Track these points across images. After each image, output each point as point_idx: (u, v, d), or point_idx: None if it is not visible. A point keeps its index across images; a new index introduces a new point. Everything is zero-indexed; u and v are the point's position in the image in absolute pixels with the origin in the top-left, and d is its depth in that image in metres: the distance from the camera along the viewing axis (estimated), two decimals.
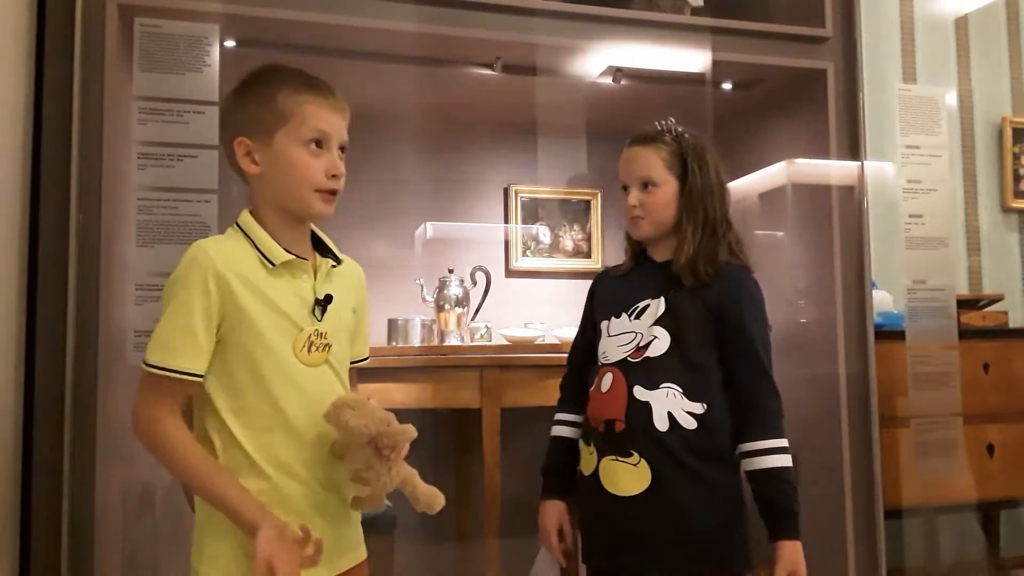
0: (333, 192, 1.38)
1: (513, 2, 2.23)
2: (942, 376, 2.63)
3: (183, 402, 1.33)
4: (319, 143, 1.36)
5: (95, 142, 1.89)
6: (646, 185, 1.66)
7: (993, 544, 3.19)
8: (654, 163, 1.66)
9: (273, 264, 1.34)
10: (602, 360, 1.67)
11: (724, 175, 1.70)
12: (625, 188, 1.69)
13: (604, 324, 1.69)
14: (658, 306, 1.63)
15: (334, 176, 1.37)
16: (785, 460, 1.60)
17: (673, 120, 1.70)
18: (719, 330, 1.63)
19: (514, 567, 2.33)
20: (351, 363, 1.49)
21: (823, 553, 2.48)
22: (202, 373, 1.30)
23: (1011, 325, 3.20)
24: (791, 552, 1.56)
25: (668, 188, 1.66)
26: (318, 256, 1.42)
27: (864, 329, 2.43)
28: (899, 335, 2.61)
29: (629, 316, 1.66)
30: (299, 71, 1.40)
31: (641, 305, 1.65)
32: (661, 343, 1.62)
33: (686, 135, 1.68)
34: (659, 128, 1.69)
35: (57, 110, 1.88)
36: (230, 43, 2.15)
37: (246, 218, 1.39)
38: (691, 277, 1.62)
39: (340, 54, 2.35)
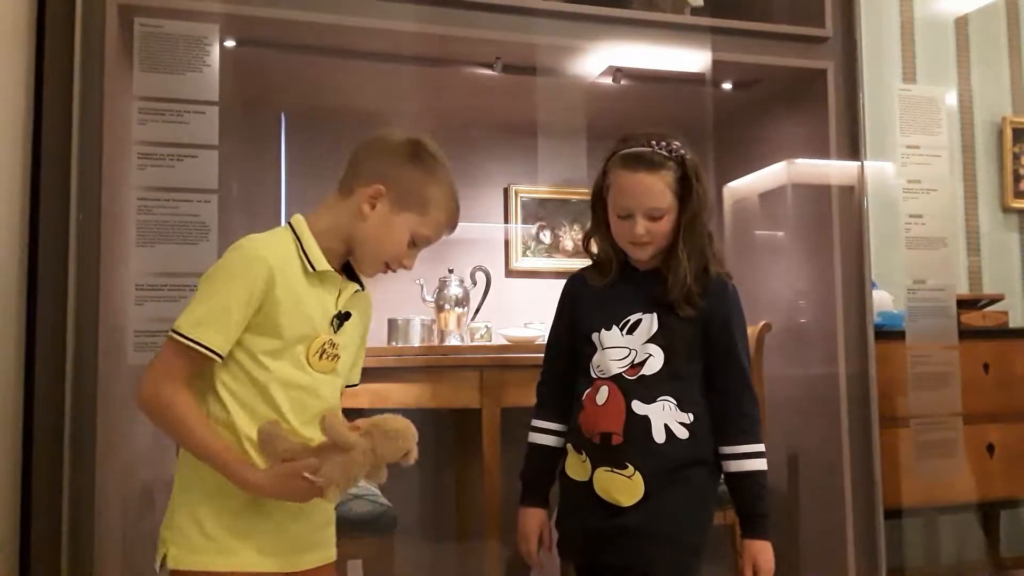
0: (389, 271, 1.51)
1: (513, 2, 2.23)
2: (942, 376, 2.63)
3: (191, 379, 1.38)
4: (417, 242, 1.49)
5: (95, 142, 1.89)
6: (653, 216, 1.62)
7: (993, 544, 3.19)
8: (662, 192, 1.61)
9: (314, 269, 1.42)
10: (596, 373, 1.66)
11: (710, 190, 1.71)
12: (629, 215, 1.63)
13: (596, 336, 1.67)
14: (651, 323, 1.63)
15: (401, 266, 1.50)
16: (762, 464, 1.65)
17: (669, 137, 1.64)
18: (706, 342, 1.65)
19: (514, 567, 2.33)
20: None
21: (823, 553, 2.48)
22: (222, 355, 1.36)
23: (1011, 325, 3.19)
24: (759, 550, 1.64)
25: (672, 214, 1.63)
26: (344, 277, 1.50)
27: (864, 329, 2.43)
28: (899, 335, 2.61)
29: (621, 330, 1.65)
30: (452, 178, 1.52)
31: (633, 319, 1.65)
32: (656, 361, 1.62)
33: (686, 156, 1.63)
34: (658, 150, 1.62)
35: (57, 110, 1.88)
36: (230, 43, 2.15)
37: (299, 221, 1.46)
38: (685, 305, 1.63)
39: (340, 54, 2.35)
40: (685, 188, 1.62)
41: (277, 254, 1.40)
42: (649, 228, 1.62)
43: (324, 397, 1.43)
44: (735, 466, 1.64)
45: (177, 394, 1.35)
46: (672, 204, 1.62)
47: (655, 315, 1.63)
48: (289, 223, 1.46)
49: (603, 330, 1.67)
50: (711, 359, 1.65)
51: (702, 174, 1.65)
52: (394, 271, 1.51)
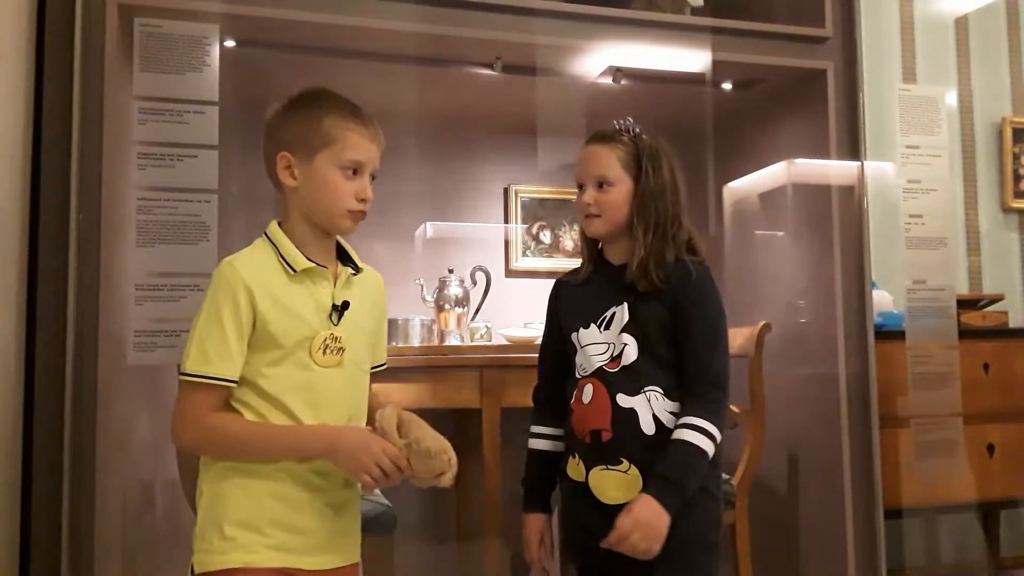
0: (361, 213, 1.48)
1: (513, 2, 2.23)
2: (942, 376, 2.63)
3: (218, 408, 1.42)
4: (354, 169, 1.46)
5: (95, 142, 1.89)
6: (601, 184, 1.67)
7: (993, 544, 3.19)
8: (610, 162, 1.67)
9: (295, 270, 1.44)
10: (580, 372, 1.67)
11: (679, 177, 1.70)
12: (581, 186, 1.70)
13: (575, 336, 1.69)
14: (623, 313, 1.64)
15: (363, 200, 1.47)
16: (699, 439, 1.55)
17: (632, 120, 1.71)
18: (675, 326, 1.63)
19: (514, 567, 2.33)
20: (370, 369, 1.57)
21: (823, 553, 2.48)
22: (236, 379, 1.40)
23: (1011, 325, 3.20)
24: (649, 506, 1.52)
25: (623, 187, 1.66)
26: (339, 264, 1.51)
27: (864, 329, 2.43)
28: (899, 335, 2.60)
29: (599, 326, 1.66)
30: (345, 99, 1.49)
31: (608, 314, 1.66)
32: (631, 350, 1.62)
33: (643, 136, 1.69)
34: (617, 127, 1.70)
35: (57, 110, 1.88)
36: (230, 43, 2.15)
37: (273, 228, 1.48)
38: (644, 282, 1.62)
39: (340, 54, 2.35)
40: (639, 167, 1.66)
41: (251, 268, 1.42)
42: (597, 198, 1.67)
43: (335, 390, 1.45)
44: (674, 434, 1.57)
45: (215, 417, 1.39)
46: (621, 177, 1.66)
47: (626, 305, 1.64)
48: (265, 232, 1.49)
49: (581, 329, 1.68)
50: (678, 342, 1.63)
51: (661, 156, 1.67)
52: (362, 212, 1.47)
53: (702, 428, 1.57)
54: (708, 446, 1.56)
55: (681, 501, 1.55)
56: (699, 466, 1.57)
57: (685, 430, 1.57)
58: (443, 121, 3.01)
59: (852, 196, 2.48)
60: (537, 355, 1.84)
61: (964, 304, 2.95)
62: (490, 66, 2.45)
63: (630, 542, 1.52)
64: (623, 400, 1.61)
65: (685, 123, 2.84)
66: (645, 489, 1.55)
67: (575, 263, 1.82)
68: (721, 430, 1.59)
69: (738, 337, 2.33)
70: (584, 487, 1.64)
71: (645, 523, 1.52)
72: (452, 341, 2.84)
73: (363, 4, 2.13)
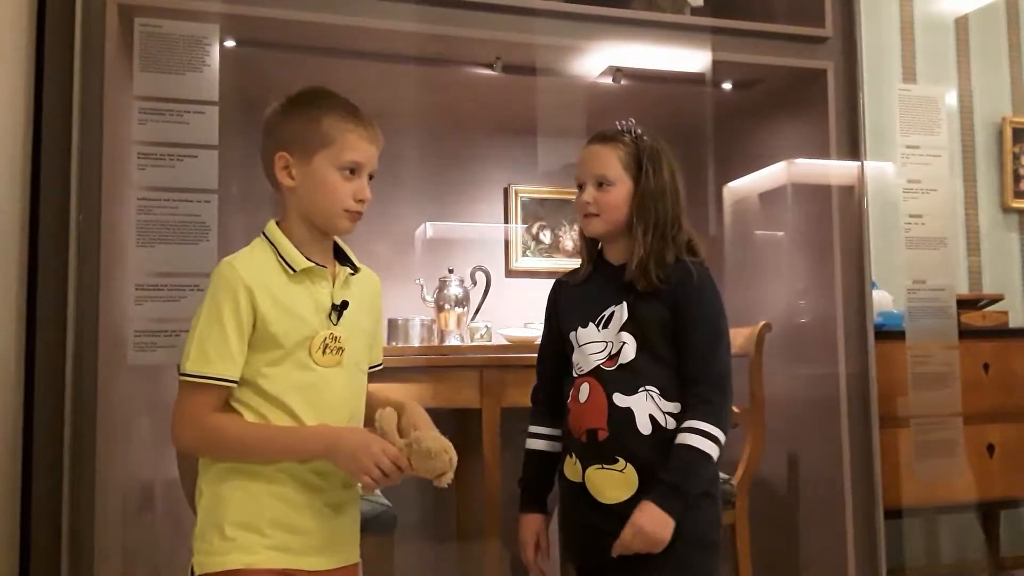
0: (358, 213, 1.48)
1: (513, 2, 2.23)
2: (942, 376, 2.63)
3: (218, 408, 1.42)
4: (352, 170, 1.46)
5: (95, 142, 1.89)
6: (601, 183, 1.67)
7: (993, 544, 3.19)
8: (611, 162, 1.67)
9: (294, 270, 1.43)
10: (576, 372, 1.68)
11: (679, 179, 1.70)
12: (581, 185, 1.71)
13: (573, 335, 1.69)
14: (622, 312, 1.64)
15: (360, 200, 1.47)
16: (701, 443, 1.56)
17: (633, 121, 1.71)
18: (676, 327, 1.63)
19: (513, 567, 2.33)
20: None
21: (823, 553, 2.48)
22: (236, 379, 1.40)
23: (1011, 325, 3.20)
24: (646, 511, 1.54)
25: (622, 187, 1.67)
26: (337, 264, 1.51)
27: (864, 329, 2.43)
28: (899, 335, 2.61)
29: (597, 325, 1.67)
30: (344, 99, 1.50)
31: (607, 313, 1.66)
32: (630, 348, 1.63)
33: (644, 137, 1.70)
34: (619, 128, 1.71)
35: (57, 110, 1.88)
36: (230, 43, 2.15)
37: (272, 228, 1.48)
38: (643, 281, 1.63)
39: (340, 54, 2.36)
40: (639, 167, 1.67)
41: (251, 268, 1.42)
42: (596, 197, 1.68)
43: (335, 390, 1.45)
44: (677, 438, 1.58)
45: (215, 418, 1.39)
46: (621, 177, 1.67)
47: (625, 304, 1.64)
48: (264, 232, 1.48)
49: (579, 328, 1.69)
50: (677, 343, 1.63)
51: (662, 158, 1.68)
52: (359, 212, 1.47)
53: (704, 431, 1.57)
54: (711, 449, 1.57)
55: (684, 505, 1.56)
56: (702, 469, 1.58)
57: (687, 434, 1.57)
58: (443, 121, 3.01)
59: (852, 196, 2.48)
60: (537, 355, 1.84)
61: (964, 304, 2.95)
62: (490, 66, 2.45)
63: (633, 550, 1.55)
64: (619, 399, 1.61)
65: (685, 123, 2.84)
66: (647, 496, 1.56)
67: (575, 263, 1.82)
68: (725, 431, 1.60)
69: (738, 337, 2.33)
70: (581, 487, 1.64)
71: (646, 531, 1.54)
72: (452, 341, 2.84)
73: (363, 4, 2.13)
